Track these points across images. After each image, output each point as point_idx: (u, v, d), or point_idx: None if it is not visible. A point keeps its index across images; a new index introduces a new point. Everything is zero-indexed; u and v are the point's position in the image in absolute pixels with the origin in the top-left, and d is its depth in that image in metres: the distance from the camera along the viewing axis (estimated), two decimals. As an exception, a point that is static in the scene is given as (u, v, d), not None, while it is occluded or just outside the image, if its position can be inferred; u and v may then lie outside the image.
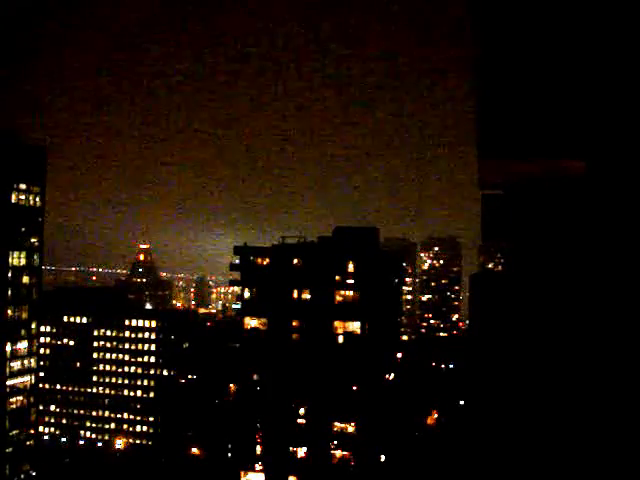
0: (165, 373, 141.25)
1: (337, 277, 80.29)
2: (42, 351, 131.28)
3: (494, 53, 5.65)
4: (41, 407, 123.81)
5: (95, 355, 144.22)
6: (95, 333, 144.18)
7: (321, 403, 78.84)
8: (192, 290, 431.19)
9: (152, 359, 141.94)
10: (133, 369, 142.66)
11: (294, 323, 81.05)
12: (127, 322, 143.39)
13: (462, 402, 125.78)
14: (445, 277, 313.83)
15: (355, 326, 79.66)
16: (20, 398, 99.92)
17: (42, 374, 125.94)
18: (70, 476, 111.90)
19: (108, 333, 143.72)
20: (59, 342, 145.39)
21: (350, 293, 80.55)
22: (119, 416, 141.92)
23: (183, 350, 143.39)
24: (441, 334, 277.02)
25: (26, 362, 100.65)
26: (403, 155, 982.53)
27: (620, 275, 5.83)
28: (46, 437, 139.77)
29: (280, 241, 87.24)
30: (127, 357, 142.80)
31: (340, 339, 79.73)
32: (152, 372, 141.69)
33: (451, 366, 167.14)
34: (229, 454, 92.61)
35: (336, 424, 79.14)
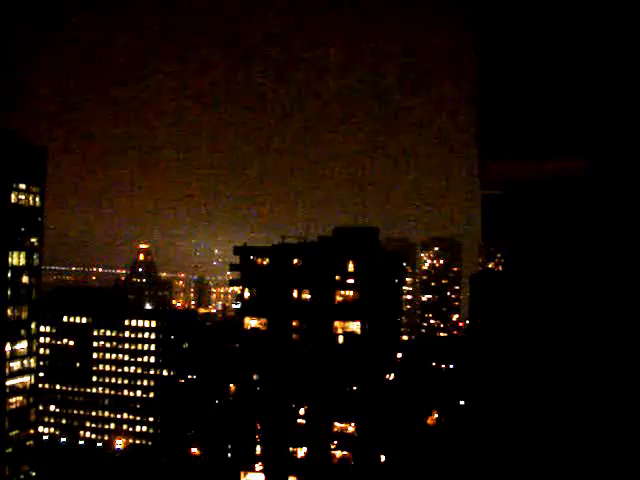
0: (165, 373, 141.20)
1: (337, 277, 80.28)
2: (42, 351, 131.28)
3: (495, 55, 5.66)
4: (41, 407, 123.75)
5: (95, 355, 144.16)
6: (95, 333, 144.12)
7: (321, 403, 78.82)
8: (192, 290, 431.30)
9: (152, 359, 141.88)
10: (133, 369, 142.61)
11: (294, 323, 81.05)
12: (127, 322, 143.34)
13: (462, 402, 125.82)
14: (445, 277, 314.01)
15: (355, 326, 79.64)
16: (20, 398, 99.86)
17: (42, 374, 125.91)
18: (70, 476, 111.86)
19: (108, 333, 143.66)
20: (59, 342, 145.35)
21: (350, 293, 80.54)
22: (119, 416, 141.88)
23: (183, 350, 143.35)
24: (441, 334, 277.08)
25: (26, 362, 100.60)
26: (403, 155, 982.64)
27: (620, 275, 5.83)
28: (46, 437, 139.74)
29: (280, 241, 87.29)
30: (127, 357, 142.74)
31: (340, 339, 79.71)
32: (152, 372, 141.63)
33: (451, 366, 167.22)
34: (229, 454, 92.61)
35: (336, 424, 79.12)
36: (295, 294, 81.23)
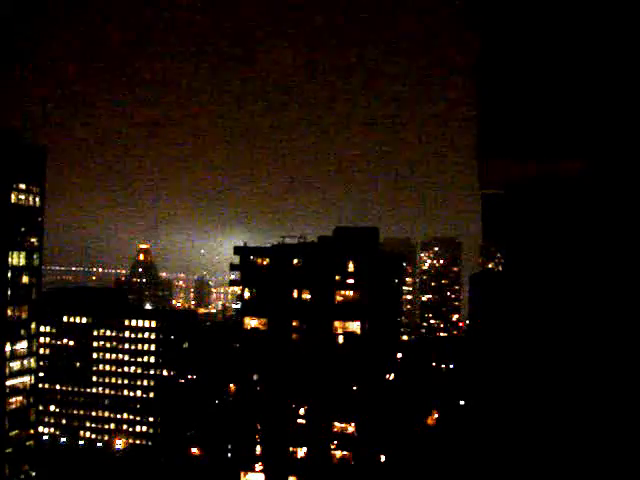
0: (165, 373, 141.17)
1: (337, 277, 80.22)
2: (42, 351, 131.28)
3: (494, 57, 5.68)
4: (41, 407, 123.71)
5: (95, 355, 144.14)
6: (95, 333, 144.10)
7: (321, 403, 78.79)
8: (192, 290, 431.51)
9: (152, 359, 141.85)
10: (133, 369, 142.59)
11: (294, 323, 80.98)
12: (127, 322, 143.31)
13: (462, 402, 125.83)
14: (445, 277, 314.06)
15: (355, 326, 79.59)
16: (20, 398, 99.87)
17: (42, 374, 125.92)
18: (70, 476, 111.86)
19: (108, 333, 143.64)
20: (59, 342, 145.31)
21: (350, 293, 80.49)
22: (119, 416, 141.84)
23: (183, 350, 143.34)
24: (441, 334, 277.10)
25: (26, 362, 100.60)
26: (404, 155, 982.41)
27: (619, 274, 5.84)
28: (46, 437, 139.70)
29: (280, 241, 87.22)
30: (127, 357, 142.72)
31: (340, 339, 79.66)
32: (152, 372, 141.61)
33: (451, 366, 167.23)
34: (229, 454, 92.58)
35: (336, 424, 79.07)
36: (295, 294, 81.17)
